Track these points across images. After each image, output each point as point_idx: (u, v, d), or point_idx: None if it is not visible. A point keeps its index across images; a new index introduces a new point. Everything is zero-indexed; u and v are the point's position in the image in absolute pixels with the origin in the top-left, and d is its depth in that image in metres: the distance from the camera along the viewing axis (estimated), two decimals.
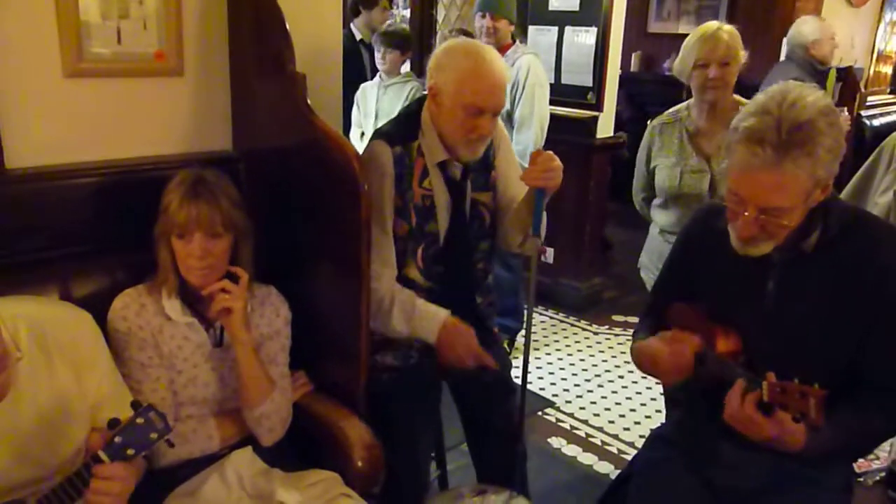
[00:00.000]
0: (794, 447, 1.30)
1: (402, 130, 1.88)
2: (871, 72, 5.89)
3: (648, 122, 2.61)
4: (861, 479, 1.79)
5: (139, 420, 1.22)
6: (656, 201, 2.58)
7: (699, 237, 1.59)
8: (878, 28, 5.84)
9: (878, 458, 1.81)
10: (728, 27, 2.34)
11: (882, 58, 6.13)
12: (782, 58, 4.28)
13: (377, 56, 3.75)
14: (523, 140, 3.34)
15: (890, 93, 6.29)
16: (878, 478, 1.80)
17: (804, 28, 3.77)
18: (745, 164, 1.30)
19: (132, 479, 1.26)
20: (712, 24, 2.35)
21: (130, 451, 1.21)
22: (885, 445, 1.76)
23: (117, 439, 1.21)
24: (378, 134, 1.89)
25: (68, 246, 1.71)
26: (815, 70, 3.71)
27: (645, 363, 1.58)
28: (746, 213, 1.33)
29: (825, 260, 1.40)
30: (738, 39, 2.33)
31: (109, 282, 1.69)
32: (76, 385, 1.41)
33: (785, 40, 4.07)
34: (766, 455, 1.35)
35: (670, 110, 2.52)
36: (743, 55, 2.35)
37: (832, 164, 1.30)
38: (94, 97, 1.77)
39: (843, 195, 2.70)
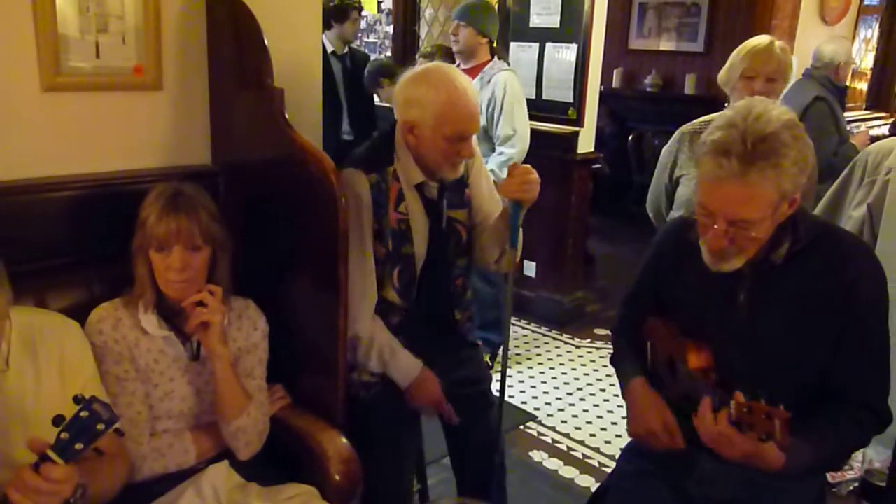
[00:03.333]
0: (774, 465, 1.30)
1: (377, 156, 1.88)
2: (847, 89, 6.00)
3: (679, 130, 2.49)
4: (835, 490, 1.81)
5: (83, 413, 1.19)
6: (676, 212, 2.49)
7: (671, 251, 1.60)
8: (852, 46, 5.95)
9: (851, 469, 1.83)
10: (781, 43, 2.31)
11: (857, 74, 6.24)
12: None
13: (380, 91, 3.88)
14: (506, 153, 3.37)
15: (865, 109, 6.41)
16: (851, 488, 1.82)
17: (836, 48, 3.75)
18: (713, 176, 1.32)
19: (75, 481, 1.22)
20: (765, 38, 2.33)
21: (79, 446, 1.18)
22: (858, 455, 1.78)
23: (64, 435, 1.18)
24: (353, 161, 1.89)
25: (45, 259, 1.70)
26: (836, 88, 3.74)
27: (630, 405, 1.58)
28: (716, 226, 1.35)
29: (795, 272, 1.42)
30: (790, 58, 2.31)
31: (86, 295, 1.69)
32: (61, 393, 1.41)
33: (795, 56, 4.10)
34: (739, 467, 1.35)
35: (702, 119, 2.44)
36: (791, 75, 2.34)
37: (798, 176, 1.32)
38: (72, 111, 1.77)
39: (818, 208, 2.74)
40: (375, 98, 4.43)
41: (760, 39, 2.32)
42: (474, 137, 1.88)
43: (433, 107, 1.76)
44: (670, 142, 2.46)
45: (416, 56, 4.11)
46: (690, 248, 1.45)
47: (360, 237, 1.82)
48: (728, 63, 2.36)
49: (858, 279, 1.39)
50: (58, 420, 1.19)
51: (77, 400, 1.21)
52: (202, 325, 1.58)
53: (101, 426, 1.19)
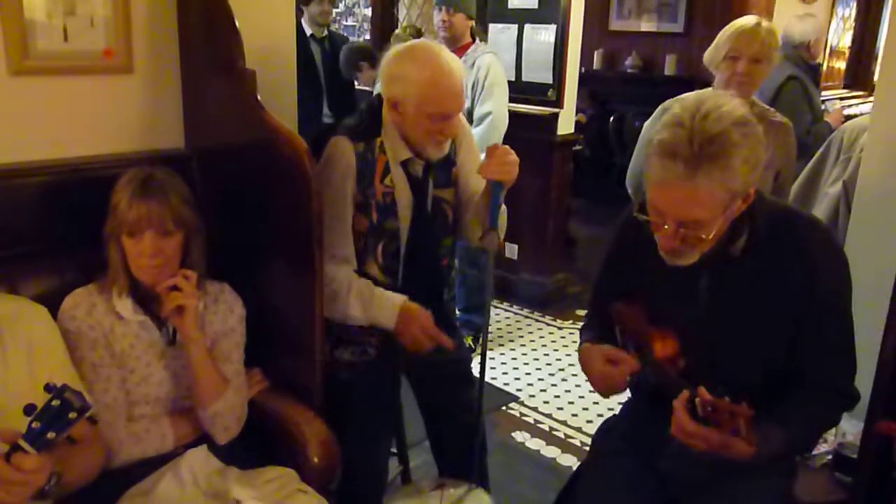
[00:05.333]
0: (745, 455, 1.30)
1: (365, 127, 1.87)
2: (826, 67, 6.03)
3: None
4: (809, 463, 1.83)
5: (55, 402, 1.17)
6: None
7: (631, 242, 1.57)
8: (830, 24, 5.98)
9: (825, 441, 1.86)
10: (768, 25, 2.28)
11: (835, 53, 6.28)
12: None
13: (358, 76, 3.84)
14: (480, 137, 3.36)
15: (843, 87, 6.45)
16: (824, 461, 1.84)
17: (804, 27, 3.74)
18: (660, 178, 1.29)
19: (48, 470, 1.21)
20: (752, 19, 2.31)
21: (51, 435, 1.17)
22: (831, 429, 1.80)
23: (35, 425, 1.17)
24: (342, 129, 1.88)
25: (16, 246, 1.68)
26: (808, 66, 3.75)
27: (584, 370, 1.59)
28: (666, 227, 1.32)
29: (754, 261, 1.41)
30: (777, 40, 2.29)
31: (59, 282, 1.67)
32: (30, 379, 1.39)
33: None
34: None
35: (687, 95, 2.46)
36: (776, 58, 2.32)
37: (749, 174, 1.28)
38: (40, 95, 1.74)
39: (795, 186, 2.76)
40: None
41: (747, 20, 2.30)
42: (462, 116, 1.87)
43: (417, 84, 1.74)
44: (652, 116, 2.44)
45: (391, 39, 4.09)
46: (650, 240, 1.42)
47: (342, 200, 1.80)
48: (714, 43, 2.35)
49: (817, 267, 1.38)
50: (29, 409, 1.18)
51: (48, 388, 1.19)
52: (177, 309, 1.58)
53: (73, 415, 1.18)
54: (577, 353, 1.65)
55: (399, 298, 1.85)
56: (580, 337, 1.71)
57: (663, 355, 1.45)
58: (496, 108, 3.39)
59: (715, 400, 1.26)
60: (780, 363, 1.44)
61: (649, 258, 1.44)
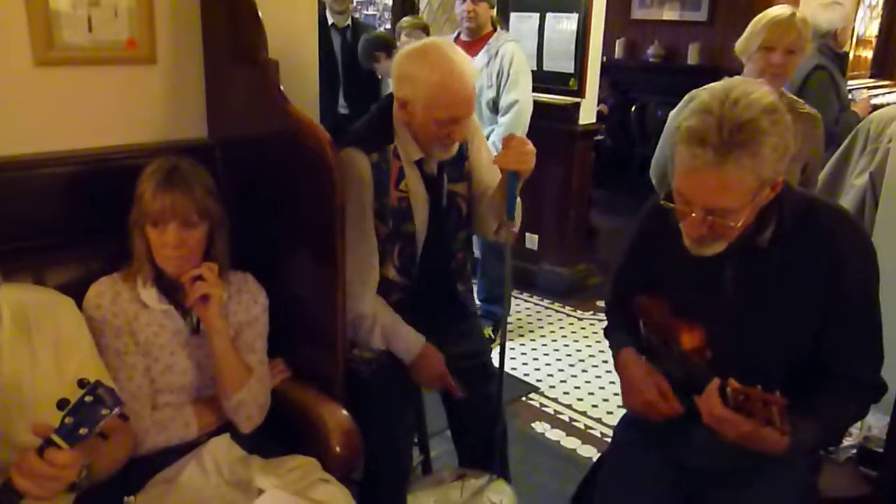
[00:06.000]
0: (777, 448, 1.28)
1: (377, 133, 1.86)
2: (852, 56, 5.92)
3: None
4: (833, 457, 1.81)
5: (88, 398, 1.19)
6: None
7: (655, 232, 1.56)
8: (857, 13, 5.87)
9: (850, 435, 1.84)
10: (801, 15, 2.27)
11: (862, 42, 6.16)
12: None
13: (376, 66, 3.84)
14: (508, 124, 3.35)
15: (870, 77, 6.33)
16: (849, 454, 1.82)
17: (831, 16, 3.70)
18: (688, 166, 1.27)
19: (80, 465, 1.23)
20: (786, 9, 2.28)
21: (83, 431, 1.18)
22: (857, 423, 1.78)
23: (68, 420, 1.18)
24: (353, 139, 1.86)
25: (41, 236, 1.70)
26: (835, 55, 3.69)
27: (623, 378, 1.57)
28: (693, 215, 1.31)
29: (780, 253, 1.39)
30: (809, 30, 2.26)
31: (84, 271, 1.68)
32: (57, 370, 1.41)
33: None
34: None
35: (713, 84, 2.45)
36: (809, 48, 2.29)
37: (778, 162, 1.27)
38: (65, 86, 1.75)
39: (820, 177, 2.71)
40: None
41: (781, 10, 2.27)
42: (476, 114, 1.85)
43: (426, 87, 1.72)
44: (678, 106, 2.42)
45: (397, 28, 4.08)
46: (675, 230, 1.41)
47: (361, 216, 1.80)
48: (746, 32, 2.32)
49: (844, 258, 1.36)
50: (62, 404, 1.19)
51: (82, 384, 1.21)
52: (201, 299, 1.58)
53: (105, 411, 1.20)
54: (605, 346, 1.64)
55: (419, 344, 1.91)
56: (610, 336, 1.70)
57: (691, 346, 1.43)
58: (522, 97, 3.38)
59: (747, 388, 1.25)
60: (807, 355, 1.42)
61: (673, 249, 1.43)
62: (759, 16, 2.31)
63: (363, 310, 1.85)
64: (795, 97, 2.44)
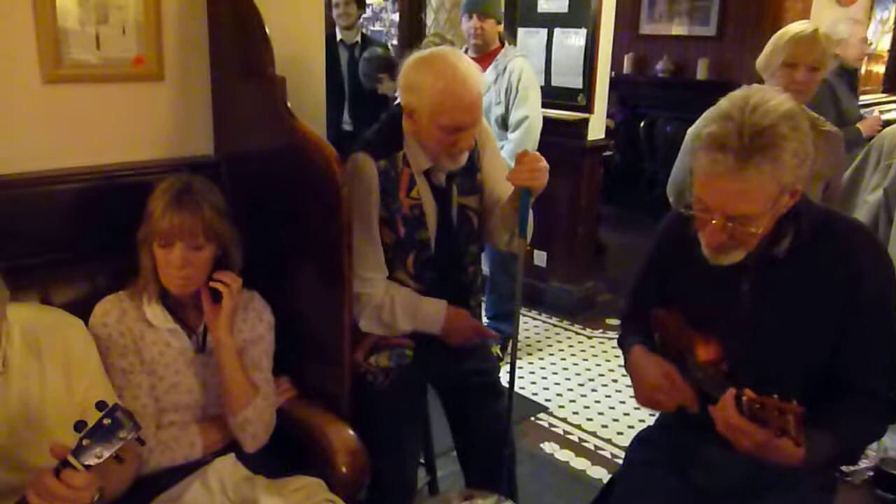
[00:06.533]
0: (793, 460, 1.28)
1: (386, 140, 1.87)
2: (863, 71, 5.92)
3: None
4: (848, 479, 1.79)
5: (106, 420, 1.21)
6: None
7: (672, 244, 1.58)
8: (868, 27, 5.88)
9: (866, 457, 1.82)
10: (824, 31, 2.28)
11: (874, 57, 6.16)
12: None
13: (379, 87, 3.86)
14: (518, 140, 3.36)
15: (882, 92, 6.33)
16: (865, 476, 1.80)
17: (836, 28, 3.73)
18: (709, 172, 1.29)
19: (96, 487, 1.24)
20: (808, 25, 2.30)
21: (101, 453, 1.20)
22: (873, 444, 1.76)
23: (86, 442, 1.19)
24: (363, 145, 1.88)
25: (48, 253, 1.72)
26: (843, 70, 3.70)
27: (633, 374, 1.58)
28: (714, 221, 1.32)
29: (798, 265, 1.40)
30: (831, 46, 2.29)
31: (90, 288, 1.70)
32: (66, 391, 1.43)
33: None
34: (747, 456, 1.34)
35: None
36: (830, 64, 2.32)
37: (798, 168, 1.28)
38: (73, 103, 1.78)
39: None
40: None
41: (804, 26, 2.28)
42: (483, 121, 1.86)
43: (430, 94, 1.73)
44: (697, 122, 2.44)
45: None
46: (692, 242, 1.43)
47: (368, 221, 1.81)
48: (768, 48, 2.32)
49: (862, 272, 1.37)
50: (80, 426, 1.21)
51: (100, 406, 1.23)
52: (213, 299, 1.60)
53: (123, 434, 1.21)
54: (617, 360, 1.65)
55: (442, 306, 1.91)
56: (623, 342, 1.70)
57: (706, 358, 1.44)
58: (532, 112, 3.39)
59: (763, 397, 1.25)
60: (823, 369, 1.42)
61: (690, 262, 1.44)
62: (781, 32, 2.32)
63: (377, 299, 1.85)
64: (816, 115, 2.45)
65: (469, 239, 1.99)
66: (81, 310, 1.59)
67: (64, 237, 1.74)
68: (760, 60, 2.35)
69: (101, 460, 1.19)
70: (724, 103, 1.32)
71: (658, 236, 1.66)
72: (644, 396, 1.53)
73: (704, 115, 2.31)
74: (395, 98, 1.93)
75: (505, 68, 3.41)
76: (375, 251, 1.85)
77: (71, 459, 1.18)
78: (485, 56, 3.45)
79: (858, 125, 3.69)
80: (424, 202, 1.87)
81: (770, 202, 1.30)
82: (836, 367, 1.41)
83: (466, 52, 3.58)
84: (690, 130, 2.47)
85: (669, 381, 1.47)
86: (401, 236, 1.86)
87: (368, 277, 1.82)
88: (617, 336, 1.77)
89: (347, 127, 4.32)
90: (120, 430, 1.21)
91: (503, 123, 3.46)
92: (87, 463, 1.19)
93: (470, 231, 1.98)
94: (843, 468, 1.77)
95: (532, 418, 3.25)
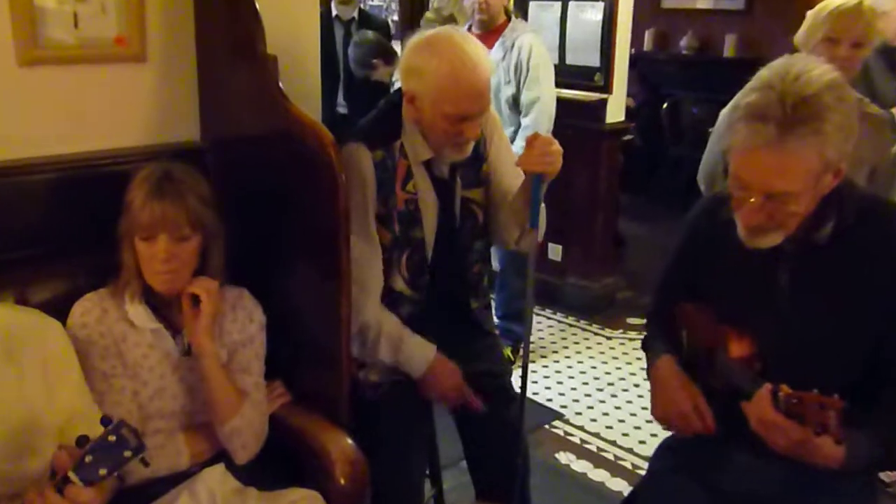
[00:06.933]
0: (831, 460, 1.29)
1: (382, 129, 1.87)
2: None
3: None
4: (889, 490, 1.79)
5: (111, 437, 1.22)
6: None
7: (705, 230, 1.59)
8: None
9: None
10: (869, 4, 2.25)
11: None
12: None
13: (372, 73, 3.86)
14: (532, 124, 3.36)
15: None
16: None
17: (879, 0, 3.72)
18: (748, 145, 1.30)
19: None
20: None
21: (103, 472, 1.21)
22: None
23: (88, 458, 1.21)
24: (357, 134, 1.88)
25: (24, 248, 1.73)
26: (883, 48, 3.68)
27: (656, 388, 1.59)
28: (752, 200, 1.33)
29: (841, 251, 1.41)
30: (877, 20, 2.26)
31: (69, 286, 1.70)
32: (46, 398, 1.43)
33: None
34: (780, 462, 1.35)
35: None
36: (876, 40, 2.29)
37: (843, 143, 1.29)
38: (50, 86, 1.79)
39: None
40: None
41: None
42: (491, 108, 1.86)
43: (434, 79, 1.73)
44: (733, 101, 2.43)
45: (422, 24, 4.10)
46: (726, 227, 1.44)
47: (363, 219, 1.81)
48: (807, 23, 2.32)
49: None
50: (82, 440, 1.22)
51: (105, 422, 1.24)
52: (192, 305, 1.60)
53: (128, 453, 1.23)
54: (640, 363, 1.65)
55: (430, 353, 1.89)
56: (648, 345, 1.71)
57: (739, 354, 1.45)
58: (544, 93, 3.39)
59: (801, 392, 1.25)
60: (862, 364, 1.42)
61: (724, 251, 1.46)
62: (822, 4, 2.30)
63: (365, 318, 1.84)
64: (861, 95, 2.44)
65: (473, 235, 1.99)
66: (60, 309, 1.60)
67: (40, 231, 1.75)
68: (799, 35, 2.34)
69: (103, 479, 1.21)
70: (764, 73, 1.33)
71: (689, 223, 1.66)
72: (662, 415, 1.55)
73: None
74: (392, 83, 1.93)
75: (513, 44, 3.40)
76: (371, 266, 1.85)
77: (71, 476, 1.20)
78: (490, 32, 3.44)
79: (894, 109, 3.67)
80: (422, 197, 1.87)
81: (812, 179, 1.30)
82: (880, 361, 1.41)
83: (470, 28, 3.58)
84: (724, 111, 2.47)
85: (696, 410, 1.49)
86: (396, 234, 1.87)
87: (359, 300, 1.81)
88: (641, 337, 1.77)
89: (342, 110, 4.32)
90: (125, 449, 1.22)
91: (515, 105, 3.46)
92: (88, 481, 1.20)
93: (474, 226, 1.98)
94: (885, 479, 1.78)
95: (547, 426, 3.26)
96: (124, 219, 1.60)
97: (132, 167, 1.64)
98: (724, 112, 2.47)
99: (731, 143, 1.35)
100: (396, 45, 4.23)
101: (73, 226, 1.77)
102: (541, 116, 3.38)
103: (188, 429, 1.67)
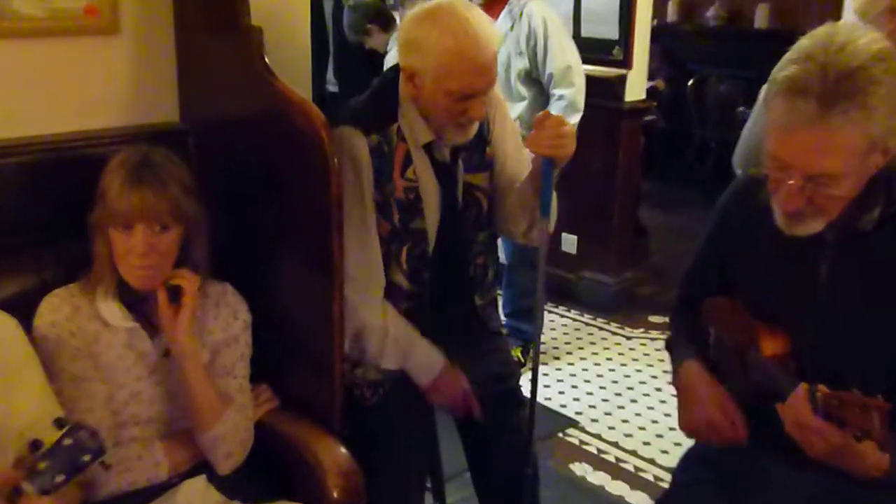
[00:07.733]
0: (874, 468, 1.28)
1: (378, 111, 1.88)
2: None
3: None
4: None
5: (67, 440, 1.21)
6: None
7: (738, 216, 1.59)
8: None
9: None
10: None
11: None
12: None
13: (367, 39, 3.86)
14: (571, 99, 3.36)
15: None
16: None
17: None
18: (786, 121, 1.29)
19: None
20: None
21: (60, 478, 1.20)
22: None
23: (42, 465, 1.19)
24: (350, 117, 1.88)
25: None
26: None
27: (682, 394, 1.60)
28: (791, 182, 1.32)
29: (888, 239, 1.40)
30: None
31: (36, 281, 1.71)
32: (5, 404, 1.43)
33: None
34: (817, 474, 1.35)
35: None
36: None
37: (891, 119, 1.28)
38: (15, 62, 1.79)
39: None
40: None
41: None
42: (504, 91, 1.86)
43: (436, 54, 1.74)
44: (768, 84, 2.42)
45: None
46: (761, 213, 1.44)
47: (360, 210, 1.82)
48: None
49: None
50: (35, 445, 1.20)
51: (59, 424, 1.23)
52: (169, 306, 1.60)
53: (87, 458, 1.21)
54: (662, 364, 1.66)
55: (439, 363, 1.91)
56: (672, 346, 1.71)
57: (772, 353, 1.45)
58: (573, 60, 3.39)
59: (841, 392, 1.25)
60: None
61: (759, 238, 1.46)
62: None
63: (369, 320, 1.85)
64: None
65: (477, 224, 2.00)
66: (26, 306, 1.60)
67: (4, 220, 1.75)
68: (860, 5, 2.33)
69: (60, 486, 1.19)
70: (804, 42, 1.32)
71: (722, 207, 1.66)
72: (690, 424, 1.56)
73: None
74: (387, 53, 1.93)
75: (521, 13, 3.40)
76: (370, 263, 1.86)
77: (25, 486, 1.18)
78: (496, 1, 3.44)
79: None
80: (422, 184, 1.88)
81: (857, 159, 1.29)
82: None
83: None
84: (767, 85, 2.46)
85: (728, 418, 1.49)
86: (395, 225, 1.87)
87: (358, 300, 1.82)
88: (664, 337, 1.77)
89: (332, 87, 4.32)
90: (83, 453, 1.21)
91: (528, 78, 3.45)
92: (43, 491, 1.18)
93: (478, 214, 1.99)
94: None
95: (560, 434, 3.27)
96: (98, 207, 1.60)
97: (106, 150, 1.66)
98: (766, 86, 2.47)
99: (768, 120, 1.35)
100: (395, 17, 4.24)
101: (41, 215, 1.77)
102: (580, 85, 3.37)
103: (167, 437, 1.67)
